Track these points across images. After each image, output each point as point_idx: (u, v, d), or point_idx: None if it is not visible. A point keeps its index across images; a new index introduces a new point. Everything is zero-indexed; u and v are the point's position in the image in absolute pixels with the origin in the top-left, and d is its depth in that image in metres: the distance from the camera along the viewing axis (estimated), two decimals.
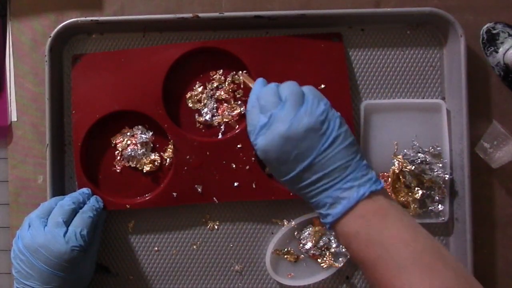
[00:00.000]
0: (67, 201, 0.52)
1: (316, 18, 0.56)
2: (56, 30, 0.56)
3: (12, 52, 0.60)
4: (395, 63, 0.58)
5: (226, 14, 0.56)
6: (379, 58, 0.58)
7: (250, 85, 0.51)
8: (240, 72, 0.56)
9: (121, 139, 0.57)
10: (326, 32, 0.57)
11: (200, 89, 0.57)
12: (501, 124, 0.56)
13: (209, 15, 0.56)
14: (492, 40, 0.57)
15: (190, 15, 0.56)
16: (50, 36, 0.56)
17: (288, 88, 0.45)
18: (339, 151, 0.42)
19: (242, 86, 0.57)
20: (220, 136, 0.57)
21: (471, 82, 0.55)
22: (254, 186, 0.55)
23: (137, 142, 0.57)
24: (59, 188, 0.57)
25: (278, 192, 0.56)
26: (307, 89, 0.45)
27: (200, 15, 0.56)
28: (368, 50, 0.58)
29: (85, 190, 0.55)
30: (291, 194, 0.55)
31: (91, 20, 0.56)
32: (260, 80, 0.48)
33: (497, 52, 0.57)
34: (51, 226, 0.49)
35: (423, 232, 0.42)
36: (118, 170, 0.57)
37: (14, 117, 0.60)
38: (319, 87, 0.55)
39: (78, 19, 0.57)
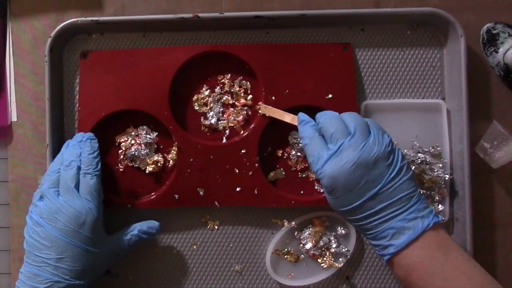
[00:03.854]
0: (69, 162, 0.51)
1: (316, 18, 0.56)
2: (56, 30, 0.56)
3: (12, 52, 0.60)
4: (395, 63, 0.58)
5: (226, 14, 0.56)
6: (379, 58, 0.58)
7: (276, 116, 0.54)
8: (261, 105, 0.56)
9: (125, 138, 0.57)
10: (326, 32, 0.58)
11: (207, 93, 0.57)
12: (501, 124, 0.56)
13: (209, 15, 0.56)
14: (492, 40, 0.57)
15: (190, 15, 0.56)
16: (50, 37, 0.56)
17: (354, 118, 0.47)
18: (404, 181, 0.44)
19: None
20: (224, 141, 0.57)
21: (471, 82, 0.55)
22: (256, 192, 0.55)
23: (141, 142, 0.57)
24: None
25: (280, 199, 0.55)
26: (369, 120, 0.47)
27: (200, 15, 0.56)
28: (368, 50, 0.58)
29: (79, 136, 0.54)
30: (292, 202, 0.55)
31: (91, 20, 0.56)
32: (302, 114, 0.51)
33: (497, 52, 0.57)
34: (64, 193, 0.50)
35: (479, 265, 0.43)
36: (121, 169, 0.57)
37: (14, 117, 0.60)
38: (326, 97, 0.55)
39: (78, 19, 0.57)
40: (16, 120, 0.60)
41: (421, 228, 0.43)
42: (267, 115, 0.55)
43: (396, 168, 0.44)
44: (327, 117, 0.48)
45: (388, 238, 0.43)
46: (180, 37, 0.59)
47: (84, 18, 0.57)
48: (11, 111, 0.60)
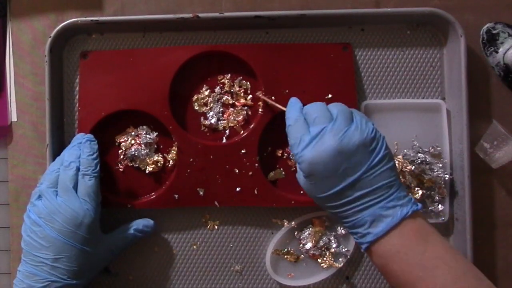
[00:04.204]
0: (68, 163, 0.51)
1: (316, 18, 0.56)
2: (56, 30, 0.56)
3: (12, 52, 0.60)
4: (395, 63, 0.58)
5: (226, 14, 0.56)
6: (379, 58, 0.58)
7: (271, 103, 0.54)
8: (260, 93, 0.56)
9: (125, 138, 0.57)
10: (326, 32, 0.58)
11: (207, 93, 0.57)
12: (501, 124, 0.56)
13: (209, 15, 0.56)
14: (492, 40, 0.57)
15: (190, 15, 0.56)
16: (50, 37, 0.56)
17: (338, 106, 0.46)
18: (385, 170, 0.43)
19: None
20: (224, 141, 0.57)
21: (471, 82, 0.55)
22: (256, 192, 0.55)
23: (141, 142, 0.57)
24: None
25: (280, 199, 0.56)
26: (354, 110, 0.47)
27: (200, 15, 0.56)
28: (368, 50, 0.58)
29: (79, 137, 0.54)
30: (292, 202, 0.55)
31: (91, 20, 0.57)
32: (295, 98, 0.51)
33: (497, 52, 0.57)
34: (62, 194, 0.50)
35: (460, 254, 0.43)
36: (121, 169, 0.57)
37: (14, 117, 0.60)
38: (326, 97, 0.55)
39: (78, 19, 0.57)
40: (16, 120, 0.60)
41: (400, 216, 0.42)
42: (261, 99, 0.55)
43: (378, 156, 0.44)
44: (313, 105, 0.47)
45: (366, 226, 0.43)
46: (180, 37, 0.59)
47: (84, 18, 0.57)
48: (11, 111, 0.60)
